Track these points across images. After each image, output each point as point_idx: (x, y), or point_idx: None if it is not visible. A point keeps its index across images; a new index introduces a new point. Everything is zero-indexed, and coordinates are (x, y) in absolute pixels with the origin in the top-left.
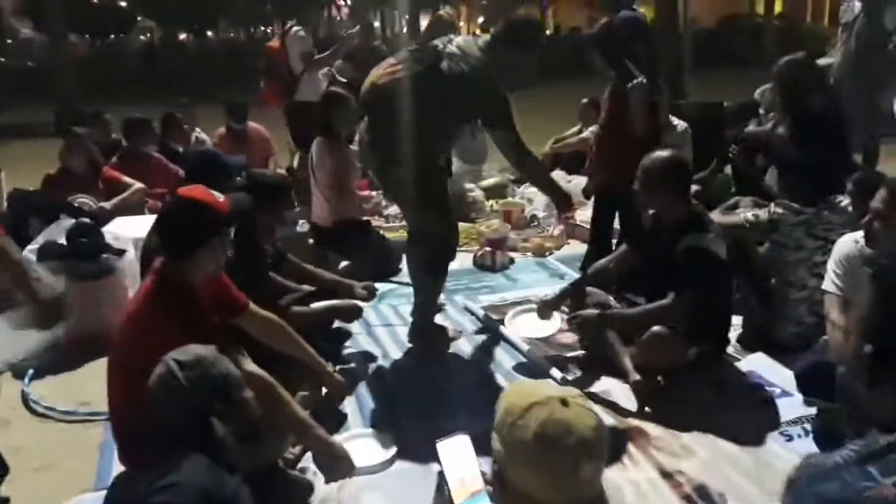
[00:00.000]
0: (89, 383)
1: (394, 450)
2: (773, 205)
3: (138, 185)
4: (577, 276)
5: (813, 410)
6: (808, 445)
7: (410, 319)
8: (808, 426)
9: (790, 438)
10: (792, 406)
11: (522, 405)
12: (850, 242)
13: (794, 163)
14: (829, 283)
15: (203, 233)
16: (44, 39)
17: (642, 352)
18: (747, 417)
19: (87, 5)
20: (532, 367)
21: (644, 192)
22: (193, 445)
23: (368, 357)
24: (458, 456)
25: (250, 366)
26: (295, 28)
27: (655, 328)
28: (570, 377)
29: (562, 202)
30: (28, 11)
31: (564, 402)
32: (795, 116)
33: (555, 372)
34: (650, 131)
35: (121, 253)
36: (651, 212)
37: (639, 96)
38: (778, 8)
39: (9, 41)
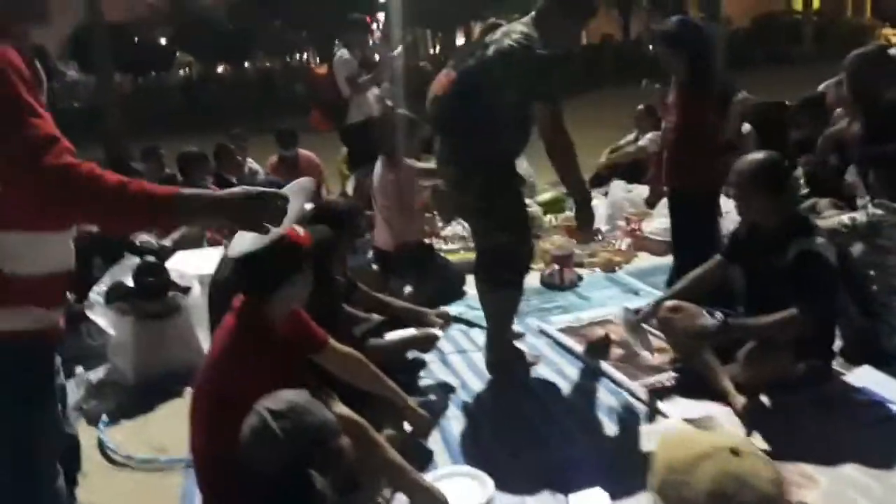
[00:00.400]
0: (164, 428)
1: (491, 488)
2: (870, 206)
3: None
4: (652, 290)
5: None
6: None
7: (482, 344)
8: None
9: None
10: None
11: (687, 459)
12: None
13: (885, 160)
14: None
15: (286, 269)
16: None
17: (748, 367)
18: (869, 439)
19: (130, 44)
20: (625, 396)
21: (741, 198)
22: (291, 499)
23: (446, 388)
24: None
25: (341, 408)
26: (340, 52)
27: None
28: (666, 404)
29: (583, 208)
30: (73, 54)
31: (735, 452)
32: (875, 111)
33: (656, 402)
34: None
35: (186, 290)
36: (747, 218)
37: (717, 97)
38: (815, 4)
39: (56, 84)
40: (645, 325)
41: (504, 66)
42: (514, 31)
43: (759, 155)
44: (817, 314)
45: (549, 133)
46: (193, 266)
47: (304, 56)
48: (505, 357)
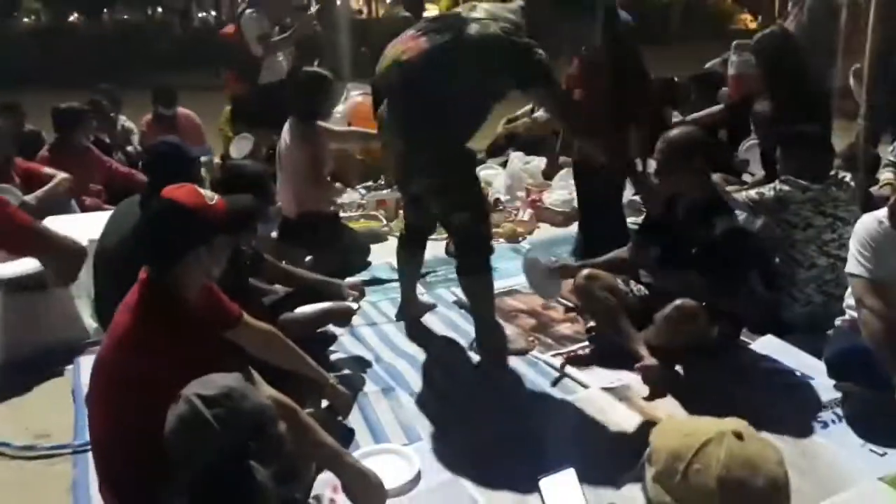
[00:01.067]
0: (43, 412)
1: (418, 464)
2: (778, 182)
3: (62, 175)
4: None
5: (838, 395)
6: (845, 432)
7: (394, 318)
8: (838, 411)
9: (825, 425)
10: (817, 390)
11: (692, 445)
12: (873, 222)
13: (795, 139)
14: (856, 265)
15: (190, 238)
16: None
17: (663, 330)
18: (778, 405)
19: None
20: (542, 367)
21: (667, 171)
22: (229, 494)
23: (361, 362)
24: (566, 494)
25: (268, 390)
26: (248, 11)
27: (681, 301)
28: (584, 373)
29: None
30: None
31: (739, 436)
32: (788, 91)
33: (572, 370)
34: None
35: None
36: (667, 191)
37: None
38: None
39: None
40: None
41: (487, 51)
42: (501, 17)
43: (688, 128)
44: (737, 288)
45: (561, 113)
46: (71, 233)
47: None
48: (500, 343)
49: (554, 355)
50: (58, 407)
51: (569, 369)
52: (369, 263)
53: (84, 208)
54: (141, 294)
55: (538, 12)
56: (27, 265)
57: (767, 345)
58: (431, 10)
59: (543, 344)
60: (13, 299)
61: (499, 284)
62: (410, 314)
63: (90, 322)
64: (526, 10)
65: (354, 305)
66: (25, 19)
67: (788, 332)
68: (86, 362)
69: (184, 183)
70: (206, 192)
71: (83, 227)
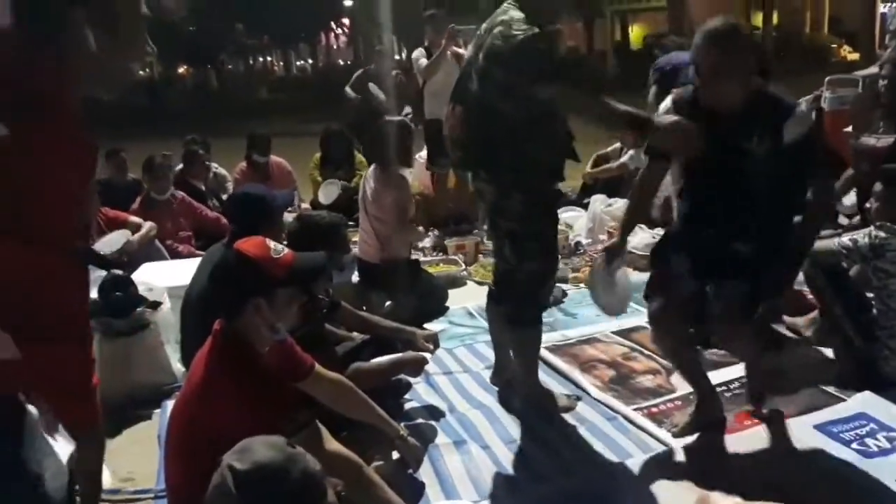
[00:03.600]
0: (130, 456)
1: None
2: (873, 228)
3: (149, 224)
4: (638, 308)
5: None
6: None
7: (471, 366)
8: None
9: None
10: None
11: None
12: None
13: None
14: None
15: (248, 292)
16: None
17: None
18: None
19: None
20: (621, 422)
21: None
22: None
23: (434, 412)
24: None
25: (333, 444)
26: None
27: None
28: (665, 431)
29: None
30: None
31: None
32: None
33: (651, 427)
34: None
35: (156, 305)
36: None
37: None
38: (775, 20)
39: None
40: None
41: (524, 57)
42: (501, 21)
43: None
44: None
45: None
46: (163, 278)
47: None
48: (535, 401)
49: (634, 409)
50: (144, 451)
51: (648, 425)
52: (447, 308)
53: (176, 254)
54: (213, 343)
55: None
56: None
57: (865, 401)
58: None
59: (623, 397)
60: (108, 342)
61: (577, 332)
62: (505, 378)
63: (178, 366)
64: (520, 3)
65: (428, 356)
66: (141, 72)
67: (885, 387)
68: (171, 406)
69: (258, 234)
70: (275, 246)
71: (173, 272)
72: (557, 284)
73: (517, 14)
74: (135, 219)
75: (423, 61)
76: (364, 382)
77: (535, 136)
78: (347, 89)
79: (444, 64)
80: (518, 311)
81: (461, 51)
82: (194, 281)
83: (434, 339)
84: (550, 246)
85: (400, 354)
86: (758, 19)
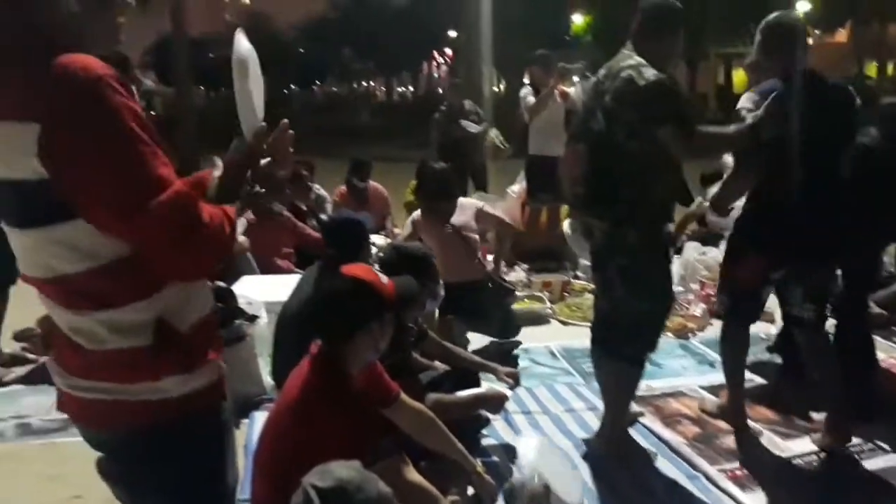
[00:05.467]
0: None
1: None
2: None
3: (243, 238)
4: None
5: None
6: None
7: (551, 407)
8: None
9: None
10: None
11: None
12: None
13: None
14: None
15: (366, 316)
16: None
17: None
18: None
19: (205, 58)
20: (703, 482)
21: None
22: None
23: (510, 451)
24: None
25: (413, 474)
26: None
27: None
28: (749, 496)
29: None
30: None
31: None
32: None
33: (735, 491)
34: None
35: (253, 318)
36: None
37: None
38: (889, 71)
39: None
40: None
41: (655, 100)
42: (629, 65)
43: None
44: None
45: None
46: (261, 293)
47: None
48: (616, 448)
49: (718, 470)
50: None
51: (731, 488)
52: (520, 343)
53: (277, 270)
54: (312, 365)
55: (646, 45)
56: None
57: None
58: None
59: (707, 456)
60: None
61: (662, 383)
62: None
63: (268, 379)
64: (636, 48)
65: (509, 393)
66: None
67: None
68: (260, 417)
69: (356, 260)
70: (380, 273)
71: (271, 288)
72: None
73: (640, 59)
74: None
75: (531, 99)
76: (445, 414)
77: (656, 175)
78: (436, 118)
79: (551, 102)
80: (621, 348)
81: (568, 90)
82: (291, 299)
83: (515, 377)
84: (663, 285)
85: (482, 390)
86: (872, 69)
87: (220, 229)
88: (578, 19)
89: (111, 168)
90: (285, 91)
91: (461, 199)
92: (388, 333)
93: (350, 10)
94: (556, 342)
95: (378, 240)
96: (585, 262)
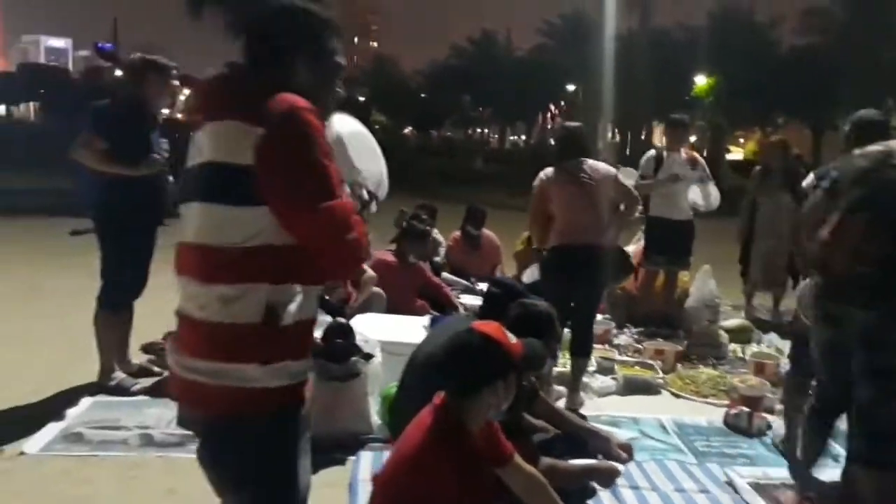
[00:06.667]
0: (320, 498)
1: None
2: None
3: (371, 272)
4: None
5: None
6: None
7: (660, 484)
8: None
9: None
10: None
11: None
12: None
13: None
14: None
15: (494, 374)
16: None
17: None
18: None
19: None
20: None
21: None
22: None
23: None
24: None
25: None
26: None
27: None
28: None
29: None
30: None
31: None
32: None
33: None
34: None
35: (369, 357)
36: None
37: None
38: None
39: None
40: None
41: None
42: None
43: None
44: None
45: None
46: (377, 331)
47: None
48: None
49: None
50: (335, 495)
51: None
52: None
53: (412, 311)
54: (435, 417)
55: None
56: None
57: None
58: None
59: None
60: (321, 384)
61: (783, 473)
62: None
63: (375, 419)
64: None
65: (620, 468)
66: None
67: None
68: (365, 457)
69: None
70: (508, 333)
71: (388, 327)
72: (765, 415)
73: None
74: (369, 271)
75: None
76: (555, 481)
77: None
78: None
79: (677, 166)
80: (880, 452)
81: (696, 154)
82: (424, 346)
83: (629, 450)
84: None
85: (596, 462)
86: None
87: (364, 241)
88: (701, 80)
89: (304, 171)
90: (405, 132)
91: (596, 163)
92: (511, 393)
93: (473, 58)
94: (668, 415)
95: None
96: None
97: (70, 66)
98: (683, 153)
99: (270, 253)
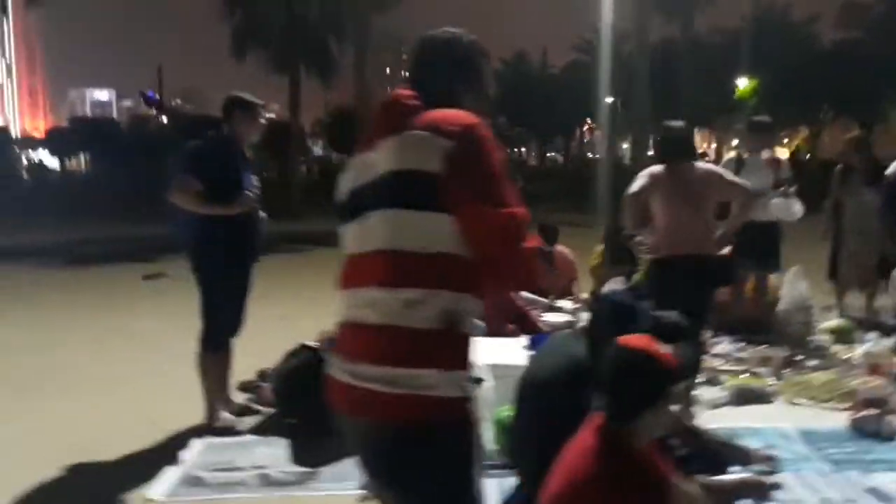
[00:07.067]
0: None
1: None
2: None
3: None
4: None
5: None
6: None
7: (801, 495)
8: None
9: None
10: None
11: None
12: None
13: None
14: None
15: (654, 393)
16: (331, 157)
17: None
18: None
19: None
20: None
21: None
22: None
23: None
24: None
25: None
26: None
27: None
28: None
29: None
30: (322, 133)
31: None
32: None
33: None
34: None
35: (479, 381)
36: None
37: None
38: None
39: (302, 158)
40: None
41: None
42: None
43: None
44: None
45: None
46: (482, 355)
47: (525, 149)
48: None
49: None
50: None
51: None
52: None
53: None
54: (603, 441)
55: None
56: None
57: None
58: None
59: None
60: None
61: None
62: None
63: (487, 444)
64: None
65: (766, 479)
66: None
67: None
68: (488, 484)
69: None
70: (660, 344)
71: (496, 351)
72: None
73: None
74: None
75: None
76: (711, 500)
77: None
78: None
79: (759, 169)
80: None
81: (779, 157)
82: (533, 367)
83: (769, 460)
84: None
85: (745, 476)
86: None
87: (531, 260)
88: (743, 83)
89: (490, 178)
90: None
91: (703, 164)
92: (669, 409)
93: (507, 80)
94: (788, 424)
95: (565, 305)
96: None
97: (115, 116)
98: (766, 155)
99: (451, 261)
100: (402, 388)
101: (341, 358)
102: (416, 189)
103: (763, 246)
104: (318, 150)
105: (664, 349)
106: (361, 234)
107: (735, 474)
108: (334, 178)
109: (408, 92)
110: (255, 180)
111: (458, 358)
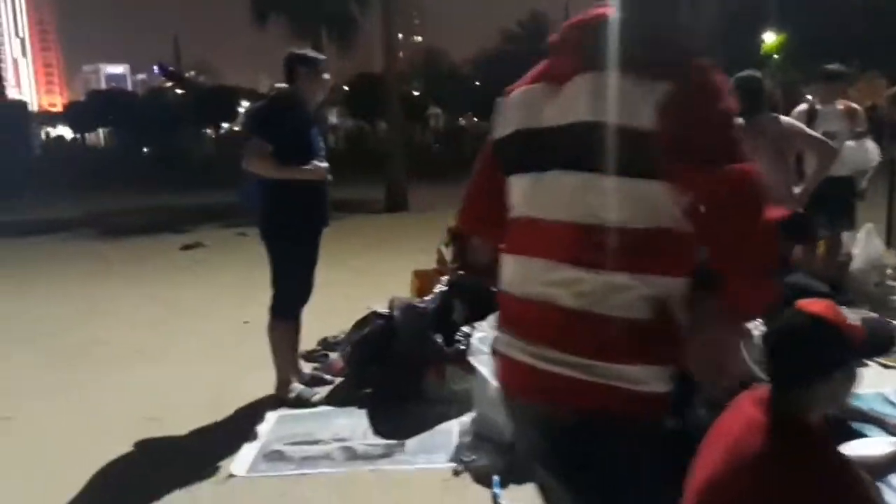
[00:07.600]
0: None
1: None
2: None
3: None
4: None
5: None
6: None
7: None
8: None
9: None
10: None
11: None
12: None
13: None
14: None
15: (828, 362)
16: (348, 124)
17: None
18: None
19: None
20: None
21: None
22: None
23: None
24: None
25: None
26: None
27: None
28: None
29: None
30: (338, 102)
31: None
32: None
33: None
34: None
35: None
36: None
37: None
38: None
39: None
40: None
41: None
42: None
43: None
44: None
45: None
46: None
47: None
48: None
49: None
50: None
51: None
52: None
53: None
54: (773, 416)
55: None
56: None
57: None
58: None
59: None
60: None
61: None
62: None
63: None
64: None
65: None
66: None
67: None
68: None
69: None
70: (846, 311)
71: None
72: None
73: None
74: None
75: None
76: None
77: None
78: None
79: (836, 120)
80: None
81: (855, 105)
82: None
83: None
84: None
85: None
86: None
87: (775, 237)
88: (770, 38)
89: (721, 128)
90: (461, 120)
91: (783, 117)
92: (852, 384)
93: (524, 41)
94: (889, 388)
95: None
96: None
97: (129, 90)
98: (840, 105)
99: (666, 239)
100: (601, 378)
101: (521, 337)
102: (623, 150)
103: (836, 202)
104: (332, 118)
105: (851, 318)
106: (543, 195)
107: (880, 445)
108: (357, 146)
109: (613, 11)
110: (321, 142)
111: (666, 352)
